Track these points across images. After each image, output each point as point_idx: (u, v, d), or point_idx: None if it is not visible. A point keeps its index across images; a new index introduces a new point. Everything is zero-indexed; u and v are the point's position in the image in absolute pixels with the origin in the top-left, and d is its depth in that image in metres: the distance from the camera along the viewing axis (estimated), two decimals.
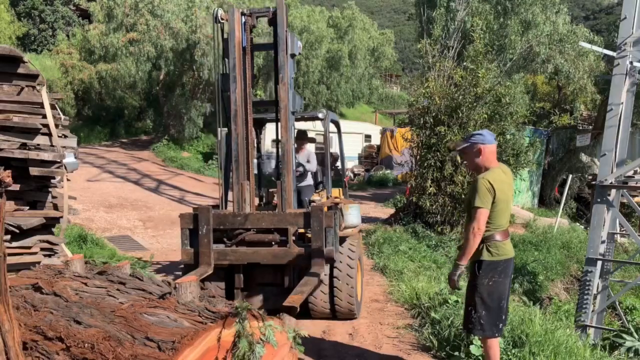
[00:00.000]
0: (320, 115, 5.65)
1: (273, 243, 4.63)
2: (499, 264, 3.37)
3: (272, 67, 6.42)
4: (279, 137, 4.84)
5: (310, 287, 4.14)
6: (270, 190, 6.75)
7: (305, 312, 4.72)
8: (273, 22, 4.72)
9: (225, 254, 4.61)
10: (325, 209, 5.06)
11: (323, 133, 5.64)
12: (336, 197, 5.62)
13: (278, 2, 4.70)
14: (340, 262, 5.06)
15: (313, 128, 6.55)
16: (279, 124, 4.80)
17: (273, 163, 6.34)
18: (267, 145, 16.00)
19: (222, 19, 4.76)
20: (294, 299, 3.69)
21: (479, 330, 3.41)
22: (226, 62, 4.80)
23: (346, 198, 6.53)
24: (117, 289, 2.44)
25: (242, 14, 4.74)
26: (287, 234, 4.55)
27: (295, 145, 5.50)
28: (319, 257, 4.46)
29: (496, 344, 3.51)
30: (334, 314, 5.18)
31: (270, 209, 5.89)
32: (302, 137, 6.24)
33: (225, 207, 5.04)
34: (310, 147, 6.65)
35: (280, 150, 4.94)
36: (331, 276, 5.03)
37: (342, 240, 5.15)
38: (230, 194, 5.09)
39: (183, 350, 1.91)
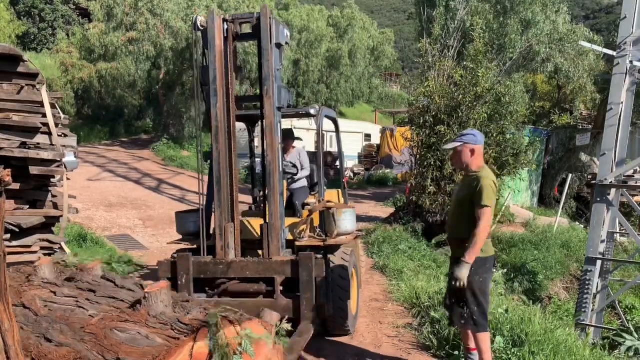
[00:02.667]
0: (312, 111, 5.12)
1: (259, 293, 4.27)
2: (487, 261, 3.58)
3: None
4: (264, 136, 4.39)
5: (303, 342, 3.88)
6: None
7: (297, 323, 4.27)
8: (257, 29, 4.30)
9: None
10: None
11: (316, 130, 5.07)
12: (329, 202, 5.10)
13: (262, 11, 4.26)
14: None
15: (309, 126, 6.14)
16: (264, 121, 4.34)
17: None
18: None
19: (202, 26, 4.32)
20: None
21: (472, 325, 3.55)
22: (206, 53, 4.41)
23: (346, 200, 6.09)
24: (87, 299, 2.39)
25: (224, 20, 4.34)
26: (274, 284, 4.23)
27: (283, 145, 4.82)
28: (309, 309, 4.15)
29: (488, 337, 3.65)
30: (325, 330, 4.68)
31: (262, 214, 5.65)
32: (288, 136, 5.75)
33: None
34: (299, 147, 6.09)
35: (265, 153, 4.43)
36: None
37: (335, 248, 4.67)
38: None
39: None
